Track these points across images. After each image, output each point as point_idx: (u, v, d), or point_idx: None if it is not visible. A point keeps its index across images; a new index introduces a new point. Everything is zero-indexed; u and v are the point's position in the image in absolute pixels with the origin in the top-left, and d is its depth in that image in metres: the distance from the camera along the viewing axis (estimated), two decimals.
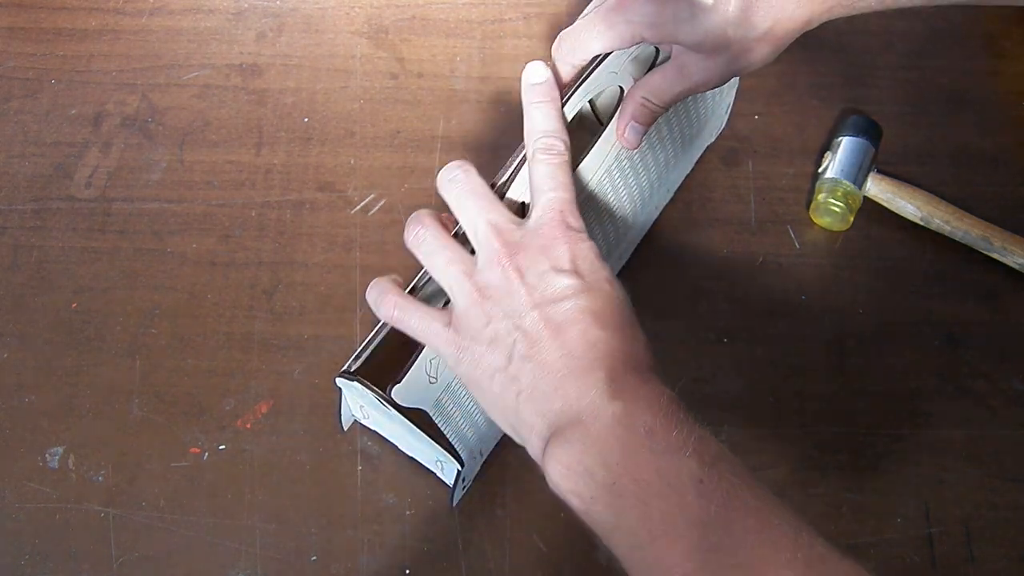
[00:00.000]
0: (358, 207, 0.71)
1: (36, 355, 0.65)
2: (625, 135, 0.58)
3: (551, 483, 0.46)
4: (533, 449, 0.47)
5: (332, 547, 0.59)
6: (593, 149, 0.59)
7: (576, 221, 0.51)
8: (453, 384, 0.55)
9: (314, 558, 0.59)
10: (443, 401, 0.55)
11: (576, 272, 0.48)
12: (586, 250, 0.49)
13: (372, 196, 0.72)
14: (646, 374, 0.47)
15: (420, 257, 0.52)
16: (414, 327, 0.51)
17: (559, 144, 0.53)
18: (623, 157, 0.61)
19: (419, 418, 0.56)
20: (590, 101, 0.64)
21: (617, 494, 0.43)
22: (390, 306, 0.52)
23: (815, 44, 0.79)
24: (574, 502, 0.45)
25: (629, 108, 0.58)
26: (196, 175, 0.72)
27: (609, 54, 0.57)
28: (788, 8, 0.54)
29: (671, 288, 0.68)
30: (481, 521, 0.60)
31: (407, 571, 0.59)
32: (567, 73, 0.56)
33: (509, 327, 0.48)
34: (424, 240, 0.52)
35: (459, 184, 0.53)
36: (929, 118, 0.77)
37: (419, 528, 0.60)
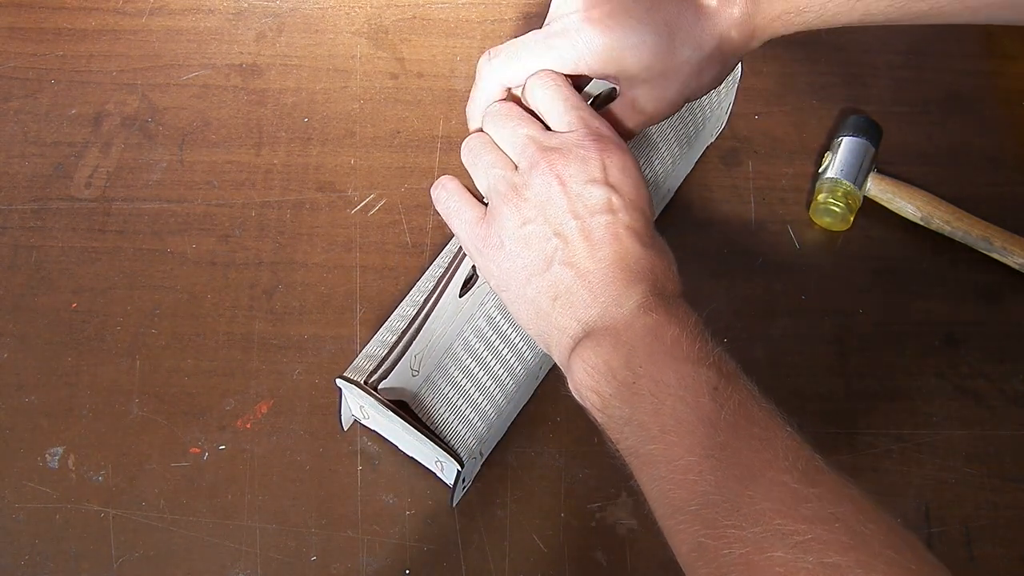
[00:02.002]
0: (358, 207, 0.71)
1: (36, 355, 0.65)
2: None
3: (572, 382, 0.48)
4: (560, 350, 0.49)
5: (332, 547, 0.59)
6: None
7: (607, 130, 0.51)
8: (433, 376, 0.56)
9: (314, 558, 0.59)
10: (424, 394, 0.56)
11: (614, 187, 0.49)
12: (624, 163, 0.50)
13: (372, 196, 0.72)
14: (678, 298, 0.49)
15: (465, 159, 0.54)
16: (449, 208, 0.53)
17: (545, 75, 0.54)
18: None
19: (419, 419, 0.56)
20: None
21: (635, 391, 0.45)
22: (440, 186, 0.54)
23: (815, 44, 0.79)
24: (592, 399, 0.47)
25: None
26: (196, 175, 0.72)
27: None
28: (731, 26, 0.54)
29: None
30: (481, 521, 0.60)
31: (407, 571, 0.59)
32: (494, 92, 0.55)
33: (547, 232, 0.49)
34: (472, 146, 0.53)
35: (495, 112, 0.54)
36: (929, 118, 0.77)
37: (419, 528, 0.60)
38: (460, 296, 0.58)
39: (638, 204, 0.50)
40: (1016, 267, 0.69)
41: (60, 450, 0.62)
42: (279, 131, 0.74)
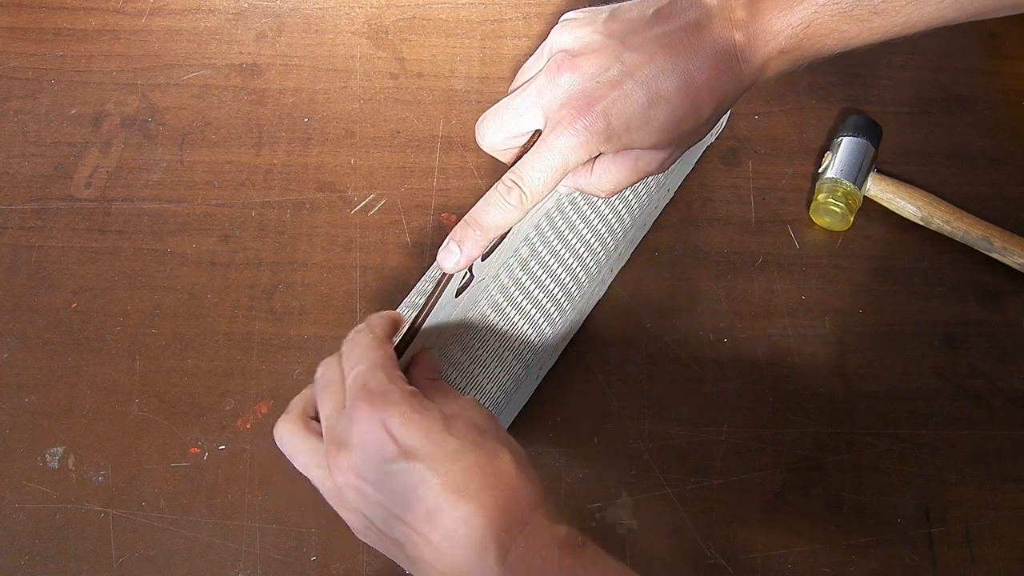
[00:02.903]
0: (358, 207, 0.71)
1: (36, 355, 0.65)
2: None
3: None
4: None
5: (332, 547, 0.59)
6: None
7: (374, 377, 0.47)
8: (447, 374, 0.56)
9: (314, 558, 0.59)
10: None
11: (405, 452, 0.45)
12: (398, 417, 0.46)
13: (372, 196, 0.72)
14: (534, 523, 0.45)
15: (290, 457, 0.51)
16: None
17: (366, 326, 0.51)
18: None
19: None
20: None
21: None
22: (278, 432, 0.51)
23: None
24: None
25: (580, 186, 0.57)
26: (196, 175, 0.72)
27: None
28: (729, 89, 0.53)
29: (671, 288, 0.68)
30: None
31: (407, 571, 0.59)
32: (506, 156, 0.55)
33: (385, 538, 0.47)
34: (283, 442, 0.51)
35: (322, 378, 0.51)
36: (929, 118, 0.77)
37: None
38: (456, 296, 0.57)
39: (441, 453, 0.45)
40: (1016, 267, 0.69)
41: (60, 450, 0.62)
42: (279, 131, 0.74)
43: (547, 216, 0.61)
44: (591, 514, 0.61)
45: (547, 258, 0.61)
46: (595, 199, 0.62)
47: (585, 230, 0.62)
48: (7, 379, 0.64)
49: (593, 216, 0.62)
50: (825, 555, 0.60)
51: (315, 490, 0.60)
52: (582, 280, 0.63)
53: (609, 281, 0.67)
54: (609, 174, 0.55)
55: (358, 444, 0.46)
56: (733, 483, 0.62)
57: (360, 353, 0.49)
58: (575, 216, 0.62)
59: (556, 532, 0.45)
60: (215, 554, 0.59)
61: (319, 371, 0.51)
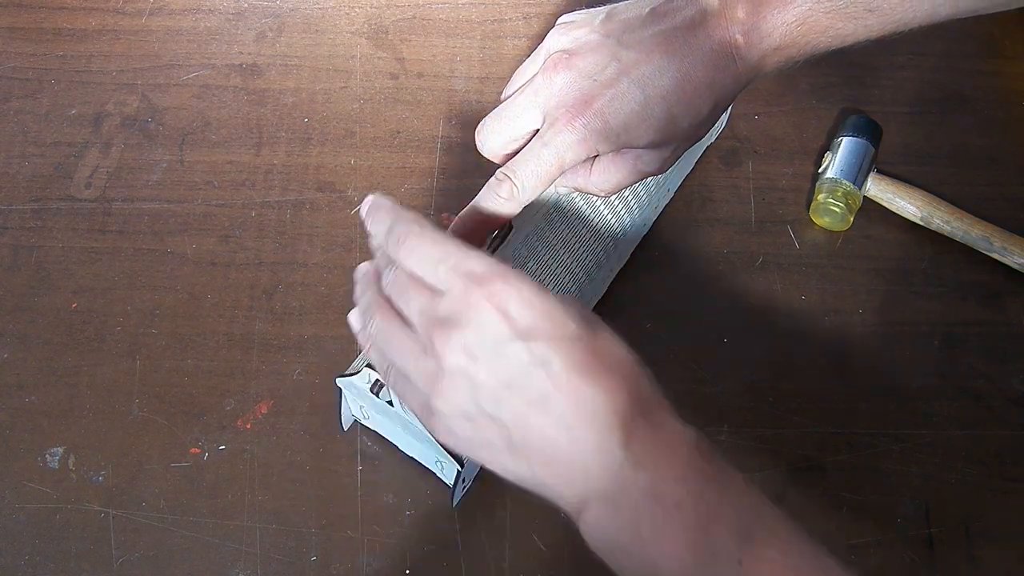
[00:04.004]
0: (358, 207, 0.71)
1: (36, 355, 0.65)
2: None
3: (590, 546, 0.44)
4: (568, 511, 0.44)
5: (332, 547, 0.59)
6: None
7: (485, 266, 0.44)
8: None
9: (314, 558, 0.59)
10: None
11: (527, 331, 0.42)
12: (519, 292, 0.43)
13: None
14: (659, 416, 0.43)
15: (373, 357, 0.48)
16: (401, 390, 0.47)
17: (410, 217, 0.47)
18: None
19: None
20: None
21: (657, 571, 0.41)
22: (383, 371, 0.48)
23: None
24: (614, 568, 0.43)
25: (579, 186, 0.57)
26: (196, 175, 0.72)
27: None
28: (726, 87, 0.54)
29: (671, 288, 0.68)
30: (481, 521, 0.60)
31: (407, 571, 0.59)
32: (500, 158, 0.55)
33: (487, 423, 0.43)
34: (376, 337, 0.47)
35: (378, 303, 0.47)
36: (929, 118, 0.77)
37: (419, 528, 0.60)
38: None
39: (561, 330, 0.42)
40: (1016, 267, 0.69)
41: (60, 450, 0.62)
42: (279, 131, 0.74)
43: (546, 217, 0.61)
44: None
45: (546, 258, 0.61)
46: (594, 199, 0.62)
47: (585, 231, 0.62)
48: (7, 379, 0.64)
49: (593, 217, 0.62)
50: None
51: (315, 490, 0.60)
52: (582, 281, 0.63)
53: (609, 281, 0.67)
54: (608, 174, 0.55)
55: (472, 323, 0.42)
56: None
57: (433, 249, 0.45)
58: (574, 217, 0.62)
59: (683, 429, 0.43)
60: (215, 554, 0.59)
61: (358, 289, 0.47)
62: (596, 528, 0.43)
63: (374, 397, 0.55)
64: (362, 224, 0.49)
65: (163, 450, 0.62)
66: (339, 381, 0.56)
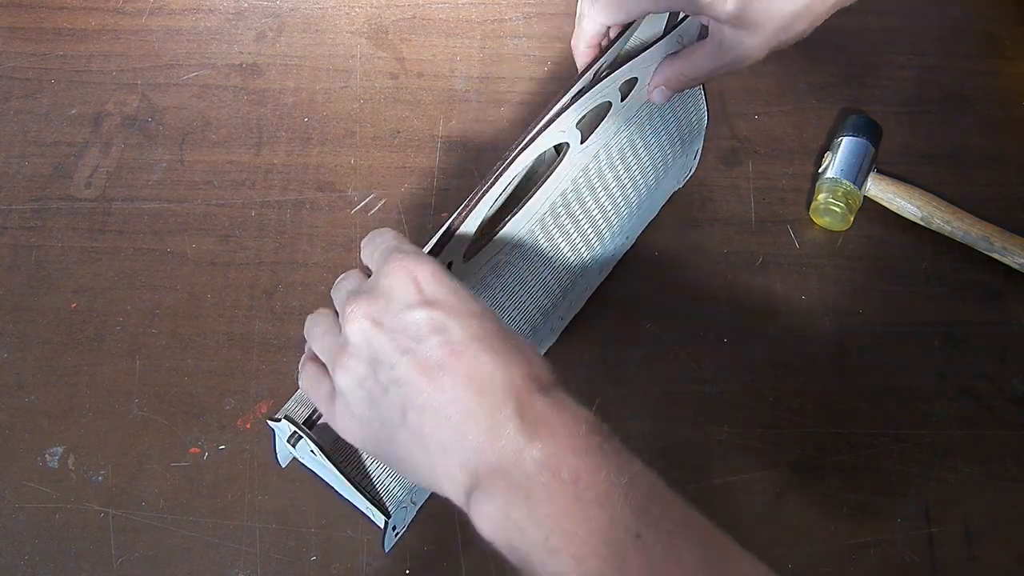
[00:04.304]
0: (358, 207, 0.71)
1: (36, 355, 0.65)
2: (653, 93, 0.59)
3: (483, 535, 0.42)
4: (458, 501, 0.43)
5: (332, 547, 0.59)
6: (552, 175, 0.58)
7: (407, 245, 0.47)
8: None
9: (314, 558, 0.59)
10: (343, 443, 0.53)
11: (433, 301, 0.44)
12: (434, 271, 0.45)
13: (372, 196, 0.72)
14: (555, 394, 0.43)
15: (306, 334, 0.50)
16: (308, 390, 0.49)
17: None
18: (581, 185, 0.60)
19: (348, 468, 0.54)
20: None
21: (551, 551, 0.40)
22: (301, 366, 0.50)
23: (815, 44, 0.79)
24: (510, 557, 0.41)
25: (664, 73, 0.58)
26: (196, 175, 0.72)
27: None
28: (820, 12, 0.54)
29: (671, 288, 0.68)
30: None
31: (407, 571, 0.59)
32: (596, 32, 0.56)
33: (384, 382, 0.43)
34: (309, 320, 0.50)
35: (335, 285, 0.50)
36: (929, 118, 0.77)
37: (419, 528, 0.60)
38: (464, 261, 0.56)
39: (466, 309, 0.44)
40: (1016, 267, 0.69)
41: (60, 450, 0.62)
42: (279, 131, 0.75)
43: (506, 254, 0.60)
44: None
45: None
46: (556, 238, 0.61)
47: (544, 270, 0.61)
48: (7, 379, 0.64)
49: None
50: (825, 555, 0.60)
51: (315, 490, 0.60)
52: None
53: (559, 330, 0.66)
54: (702, 55, 0.57)
55: (383, 292, 0.45)
56: (733, 483, 0.62)
57: (382, 237, 0.49)
58: (534, 255, 0.61)
59: (580, 409, 0.42)
60: (215, 554, 0.59)
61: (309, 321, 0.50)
62: (488, 507, 0.41)
63: (291, 448, 0.53)
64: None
65: (163, 450, 0.62)
66: (270, 423, 0.54)
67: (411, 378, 0.42)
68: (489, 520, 0.41)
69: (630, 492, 0.40)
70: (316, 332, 0.48)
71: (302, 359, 0.50)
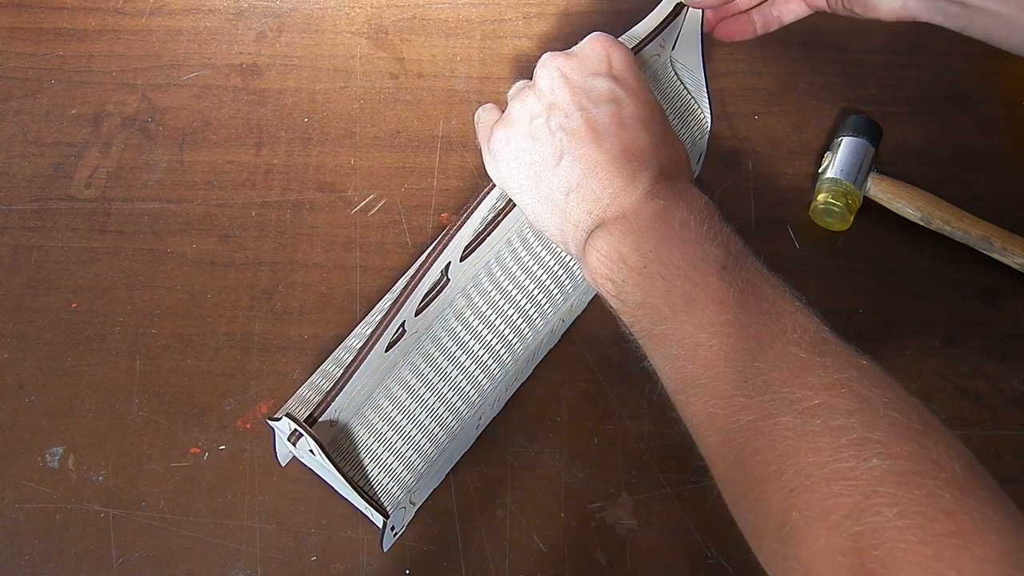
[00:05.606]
0: (358, 207, 0.71)
1: (36, 355, 0.65)
2: None
3: (588, 271, 0.49)
4: (576, 243, 0.50)
5: (332, 547, 0.59)
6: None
7: (610, 36, 0.54)
8: (352, 424, 0.56)
9: (314, 558, 0.59)
10: (341, 443, 0.55)
11: (618, 78, 0.51)
12: (627, 58, 0.52)
13: (372, 196, 0.72)
14: (687, 182, 0.50)
15: (510, 97, 0.55)
16: (477, 119, 0.56)
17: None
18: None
19: (347, 468, 0.54)
20: None
21: (646, 275, 0.46)
22: (479, 107, 0.56)
23: (815, 44, 0.79)
24: (607, 286, 0.48)
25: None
26: (196, 175, 0.72)
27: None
28: None
29: None
30: (481, 521, 0.60)
31: (407, 571, 0.59)
32: None
33: (554, 126, 0.50)
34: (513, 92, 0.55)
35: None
36: (929, 118, 0.77)
37: (419, 528, 0.60)
38: (386, 351, 0.55)
39: (642, 95, 0.51)
40: (1016, 267, 0.69)
41: (60, 450, 0.62)
42: (279, 131, 0.74)
43: (485, 267, 0.60)
44: (591, 514, 0.61)
45: (484, 309, 0.59)
46: (529, 253, 0.61)
47: (526, 280, 0.60)
48: (7, 379, 0.64)
49: (534, 266, 0.61)
50: None
51: (315, 490, 0.60)
52: (526, 334, 0.61)
53: (560, 333, 0.64)
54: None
55: (580, 55, 0.52)
56: None
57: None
58: (515, 267, 0.60)
59: (703, 195, 0.49)
60: (215, 554, 0.59)
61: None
62: (602, 242, 0.48)
63: (291, 446, 0.52)
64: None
65: (163, 450, 0.62)
66: (269, 422, 0.54)
67: (579, 132, 0.50)
68: (599, 253, 0.48)
69: (726, 242, 0.47)
70: (515, 94, 0.54)
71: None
